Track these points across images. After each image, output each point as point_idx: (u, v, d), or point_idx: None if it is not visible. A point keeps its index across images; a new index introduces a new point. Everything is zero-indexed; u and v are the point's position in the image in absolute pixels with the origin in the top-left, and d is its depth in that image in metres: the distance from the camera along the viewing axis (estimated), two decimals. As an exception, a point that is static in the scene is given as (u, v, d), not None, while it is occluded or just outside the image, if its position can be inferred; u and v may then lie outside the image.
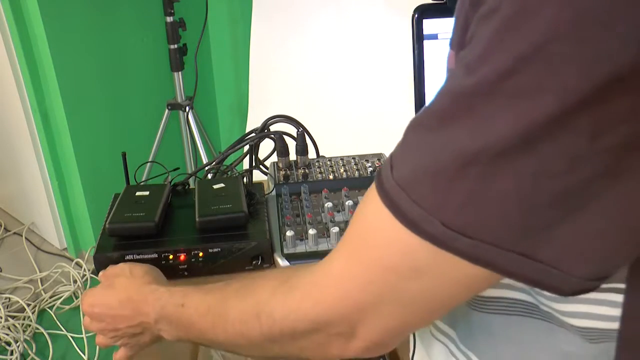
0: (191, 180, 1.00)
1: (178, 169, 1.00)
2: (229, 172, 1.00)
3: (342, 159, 1.03)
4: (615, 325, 0.45)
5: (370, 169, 0.99)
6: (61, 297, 1.99)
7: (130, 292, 0.72)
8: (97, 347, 1.81)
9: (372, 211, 0.44)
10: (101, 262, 0.82)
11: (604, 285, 0.43)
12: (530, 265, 0.39)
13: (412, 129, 0.43)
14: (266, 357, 0.57)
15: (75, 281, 2.05)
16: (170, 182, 0.96)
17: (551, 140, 0.36)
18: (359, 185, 0.96)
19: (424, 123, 0.42)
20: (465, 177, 0.38)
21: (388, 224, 0.41)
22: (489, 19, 0.37)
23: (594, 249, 0.38)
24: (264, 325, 0.52)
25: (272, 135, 1.01)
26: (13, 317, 1.90)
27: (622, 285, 0.44)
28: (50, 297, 2.00)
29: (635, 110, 0.34)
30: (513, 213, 0.38)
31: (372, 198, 0.43)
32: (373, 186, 0.44)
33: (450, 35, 0.47)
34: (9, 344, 1.80)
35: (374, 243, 0.44)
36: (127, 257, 0.81)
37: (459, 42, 0.44)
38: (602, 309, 0.45)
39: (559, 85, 0.34)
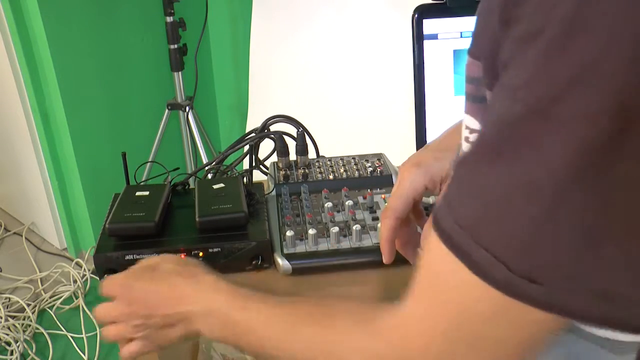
0: (191, 180, 1.00)
1: (178, 169, 1.00)
2: (229, 172, 1.00)
3: (342, 159, 1.03)
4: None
5: (370, 169, 0.99)
6: (61, 297, 1.99)
7: (181, 275, 0.65)
8: (97, 347, 1.81)
9: (437, 256, 0.42)
10: (101, 262, 0.82)
11: None
12: (607, 307, 0.37)
13: (464, 165, 0.41)
14: None
15: (75, 281, 2.05)
16: (170, 182, 0.96)
17: (608, 167, 0.34)
18: (359, 185, 0.96)
19: (477, 158, 0.40)
20: (526, 213, 0.36)
21: (455, 268, 0.40)
22: (533, 41, 0.35)
23: None
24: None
25: (272, 135, 1.01)
26: (13, 317, 1.90)
27: None
28: (50, 297, 2.00)
29: None
30: (583, 250, 0.36)
31: (435, 243, 0.42)
32: (432, 230, 0.43)
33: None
34: (9, 344, 1.80)
35: (446, 290, 0.42)
36: (127, 257, 0.81)
37: (487, 56, 0.42)
38: None
39: (613, 107, 0.33)
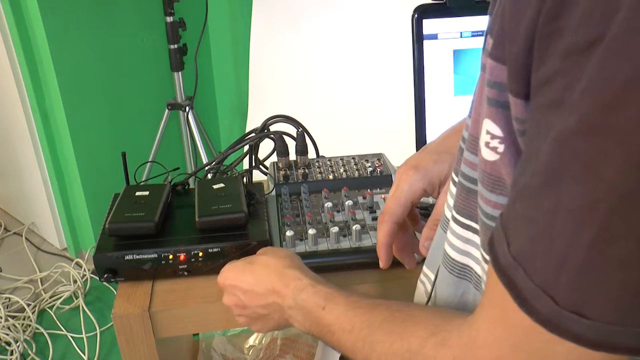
0: (191, 180, 1.00)
1: (178, 169, 1.00)
2: (229, 172, 1.00)
3: (342, 159, 1.03)
4: None
5: (370, 169, 0.99)
6: (61, 297, 1.99)
7: (271, 270, 0.69)
8: (97, 347, 1.81)
9: (493, 283, 0.41)
10: (101, 262, 0.82)
11: None
12: None
13: (521, 191, 0.39)
14: None
15: (75, 281, 2.05)
16: (170, 182, 0.96)
17: None
18: (359, 185, 0.96)
19: (529, 184, 0.38)
20: (577, 240, 0.34)
21: (507, 298, 0.39)
22: (589, 52, 0.33)
23: None
24: None
25: (272, 135, 1.01)
26: (13, 317, 1.90)
27: None
28: (50, 297, 2.00)
29: None
30: (636, 282, 0.33)
31: (492, 269, 0.41)
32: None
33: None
34: (9, 344, 1.80)
35: (503, 314, 0.41)
36: (127, 257, 0.81)
37: (514, 64, 0.40)
38: None
39: None
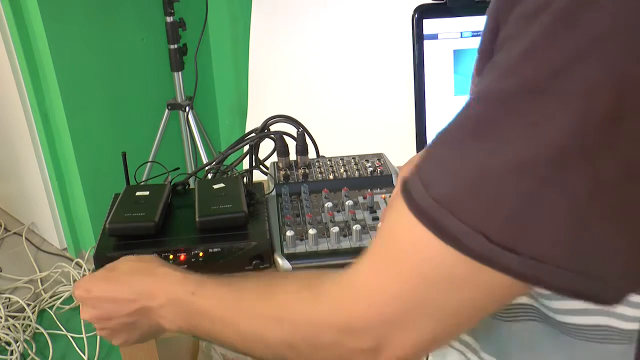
0: (191, 180, 1.00)
1: (178, 169, 1.00)
2: (229, 172, 1.00)
3: (342, 159, 1.03)
4: (634, 325, 0.45)
5: (370, 169, 0.99)
6: (61, 297, 1.99)
7: (138, 273, 0.67)
8: (97, 347, 1.81)
9: (404, 227, 0.42)
10: (101, 262, 0.81)
11: None
12: (579, 280, 0.37)
13: (442, 143, 0.41)
14: None
15: (75, 281, 2.05)
16: (170, 182, 0.96)
17: (608, 144, 0.33)
18: (359, 185, 0.96)
19: (457, 135, 0.40)
20: (514, 188, 0.36)
21: (424, 240, 0.40)
22: (536, 17, 0.35)
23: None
24: (285, 330, 0.50)
25: (272, 135, 1.01)
26: (13, 317, 1.90)
27: None
28: (50, 297, 2.00)
29: None
30: (564, 227, 0.36)
31: (402, 214, 0.42)
32: (399, 203, 0.42)
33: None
34: (9, 344, 1.80)
35: (407, 257, 0.42)
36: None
37: (487, 49, 0.42)
38: (621, 308, 0.45)
39: (618, 80, 0.32)
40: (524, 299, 0.50)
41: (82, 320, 1.88)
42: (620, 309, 0.45)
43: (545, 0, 0.34)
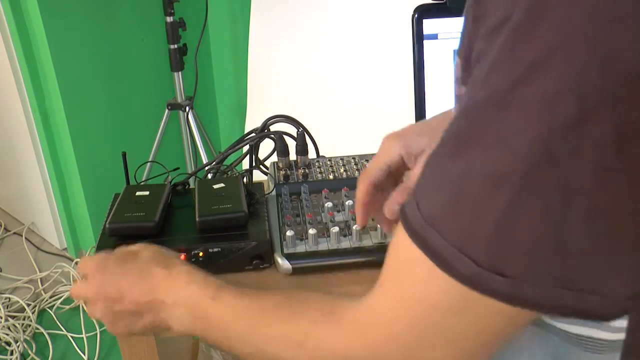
0: (191, 180, 1.00)
1: (178, 169, 1.00)
2: (229, 172, 1.00)
3: (342, 159, 1.03)
4: (619, 336, 0.44)
5: (370, 169, 0.99)
6: (61, 297, 1.99)
7: (158, 264, 0.64)
8: (97, 347, 1.81)
9: (404, 251, 0.42)
10: (101, 262, 0.82)
11: None
12: (570, 297, 0.36)
13: (432, 159, 0.41)
14: None
15: (75, 281, 2.05)
16: (170, 182, 0.96)
17: (574, 149, 0.34)
18: (359, 185, 0.96)
19: (442, 151, 0.40)
20: (491, 204, 0.36)
21: (421, 263, 0.40)
22: (498, 32, 0.36)
23: (632, 267, 0.36)
24: (303, 356, 0.50)
25: (272, 135, 1.01)
26: (13, 317, 1.90)
27: None
28: (50, 297, 2.00)
29: None
30: (546, 240, 0.35)
31: (402, 238, 0.42)
32: (400, 225, 0.43)
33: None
34: (9, 344, 1.80)
35: (412, 283, 0.42)
36: (127, 257, 0.81)
37: (465, 57, 0.42)
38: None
39: (576, 88, 0.33)
40: None
41: (93, 319, 1.88)
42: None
43: (505, 15, 0.35)
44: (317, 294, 0.55)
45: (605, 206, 0.35)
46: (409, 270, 0.42)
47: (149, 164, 1.73)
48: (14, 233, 2.38)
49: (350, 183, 0.96)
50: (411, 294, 0.42)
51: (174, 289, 0.62)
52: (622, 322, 0.43)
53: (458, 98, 0.45)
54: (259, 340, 0.54)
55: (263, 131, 1.03)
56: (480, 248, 0.37)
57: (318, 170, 0.99)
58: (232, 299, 0.58)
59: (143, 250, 0.68)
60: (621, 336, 0.44)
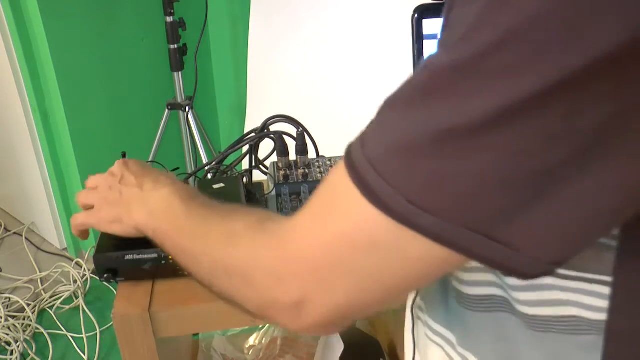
0: (191, 180, 1.00)
1: (178, 169, 1.00)
2: (229, 172, 1.00)
3: (342, 159, 1.03)
4: (602, 316, 0.45)
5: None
6: (61, 297, 1.99)
7: (153, 171, 0.78)
8: (97, 347, 1.81)
9: (338, 182, 0.44)
10: (101, 262, 0.82)
11: (589, 276, 0.43)
12: (493, 247, 0.38)
13: (386, 106, 0.43)
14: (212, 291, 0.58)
15: (75, 281, 2.05)
16: (170, 182, 0.96)
17: (529, 119, 0.35)
18: (358, 185, 0.96)
19: (399, 100, 0.42)
20: (436, 153, 0.38)
21: (351, 196, 0.41)
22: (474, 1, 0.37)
23: (561, 232, 0.38)
24: (231, 253, 0.53)
25: (272, 135, 1.01)
26: (13, 317, 1.90)
27: (609, 279, 0.43)
28: (50, 297, 2.00)
29: (618, 92, 0.34)
30: (481, 193, 0.37)
31: (340, 170, 0.44)
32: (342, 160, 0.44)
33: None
34: (9, 344, 1.80)
35: (336, 212, 0.44)
36: (127, 257, 0.81)
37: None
38: (589, 299, 0.45)
39: (543, 64, 0.34)
40: (492, 290, 0.50)
41: (93, 319, 1.88)
42: (589, 300, 0.45)
43: None
44: (267, 211, 0.59)
45: (549, 172, 0.36)
46: (337, 200, 0.44)
47: (149, 164, 1.73)
48: (14, 233, 2.38)
49: (350, 183, 0.96)
50: (332, 220, 0.44)
51: (164, 182, 0.72)
52: (605, 303, 0.44)
53: None
54: (198, 233, 0.60)
55: (263, 131, 1.03)
56: (415, 188, 0.39)
57: (318, 170, 0.99)
58: (200, 204, 0.66)
59: (131, 163, 0.83)
60: (604, 317, 0.44)
